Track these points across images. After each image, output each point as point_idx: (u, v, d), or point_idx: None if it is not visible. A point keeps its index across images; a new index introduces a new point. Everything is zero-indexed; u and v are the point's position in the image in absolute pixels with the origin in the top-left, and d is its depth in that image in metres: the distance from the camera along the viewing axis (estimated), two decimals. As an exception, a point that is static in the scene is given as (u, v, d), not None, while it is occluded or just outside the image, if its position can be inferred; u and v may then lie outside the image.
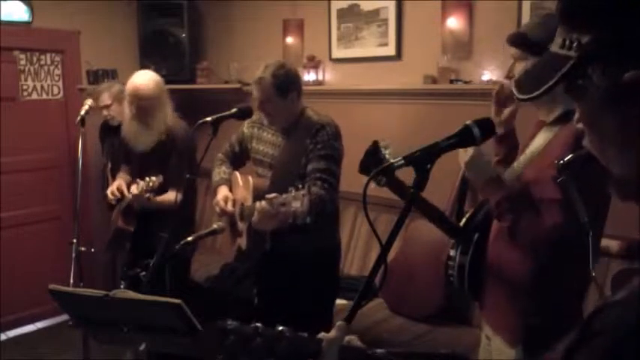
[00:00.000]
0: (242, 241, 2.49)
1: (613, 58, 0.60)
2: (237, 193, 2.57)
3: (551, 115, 1.61)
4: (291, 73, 2.40)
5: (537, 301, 1.59)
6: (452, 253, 1.79)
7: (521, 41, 1.58)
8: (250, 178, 2.49)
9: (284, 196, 2.01)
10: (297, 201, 1.98)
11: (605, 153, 0.66)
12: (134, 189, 2.73)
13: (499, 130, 1.74)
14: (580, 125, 0.70)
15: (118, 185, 2.97)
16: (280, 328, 0.94)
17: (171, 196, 2.74)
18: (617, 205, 1.08)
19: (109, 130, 3.53)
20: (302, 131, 2.41)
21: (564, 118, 1.55)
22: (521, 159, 1.68)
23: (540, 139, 1.63)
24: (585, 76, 0.63)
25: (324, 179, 2.31)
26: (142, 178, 2.76)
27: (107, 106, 3.45)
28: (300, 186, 2.06)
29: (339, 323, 0.98)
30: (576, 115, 0.71)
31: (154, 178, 2.65)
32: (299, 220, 2.03)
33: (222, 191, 2.53)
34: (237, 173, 2.62)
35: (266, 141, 2.53)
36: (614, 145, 0.64)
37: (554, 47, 0.70)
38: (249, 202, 2.42)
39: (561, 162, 0.84)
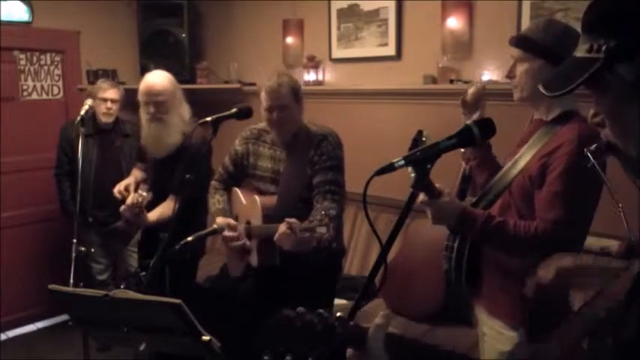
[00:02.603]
0: (252, 259, 2.47)
1: (638, 56, 0.70)
2: (240, 211, 2.56)
3: (550, 114, 1.70)
4: (299, 83, 2.46)
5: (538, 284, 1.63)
6: (449, 243, 1.81)
7: (523, 43, 1.68)
8: (257, 197, 2.45)
9: (309, 220, 1.99)
10: (322, 227, 1.96)
11: (627, 138, 0.77)
12: (128, 201, 2.67)
13: None
14: (596, 120, 0.81)
15: (126, 184, 2.93)
16: (338, 314, 0.99)
17: (166, 209, 2.72)
18: (615, 206, 1.08)
19: (98, 130, 3.53)
20: (303, 143, 2.39)
21: (563, 118, 1.66)
22: (522, 155, 1.73)
23: (541, 137, 1.70)
24: (613, 72, 0.73)
25: (333, 191, 2.31)
26: (166, 187, 2.75)
27: (115, 101, 3.46)
28: (307, 201, 2.04)
29: (383, 312, 1.02)
30: (591, 112, 0.83)
31: (144, 194, 2.60)
32: (323, 244, 2.01)
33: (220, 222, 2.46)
34: (237, 190, 2.59)
35: (265, 156, 2.50)
36: (638, 129, 0.73)
37: (580, 53, 0.79)
38: (257, 221, 2.40)
39: (590, 149, 0.93)
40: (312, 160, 2.35)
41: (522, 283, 1.67)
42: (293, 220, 2.00)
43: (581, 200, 1.58)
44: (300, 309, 0.98)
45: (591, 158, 0.93)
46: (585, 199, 1.59)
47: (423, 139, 1.86)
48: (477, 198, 1.84)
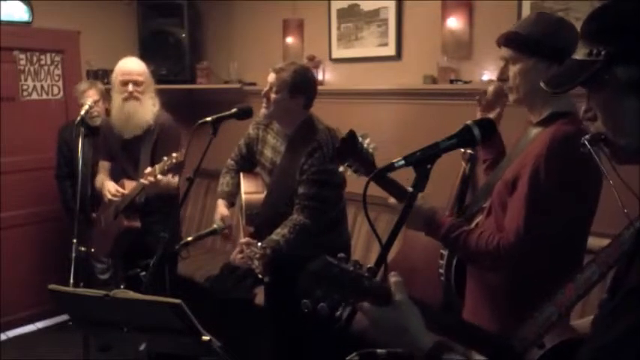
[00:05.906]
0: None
1: (632, 59, 0.85)
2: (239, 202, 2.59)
3: (539, 116, 1.60)
4: (310, 81, 2.42)
5: (514, 309, 1.47)
6: (443, 251, 1.80)
7: (513, 41, 1.58)
8: (243, 194, 2.50)
9: (250, 249, 2.21)
10: (255, 261, 2.19)
11: (618, 129, 0.90)
12: (149, 173, 2.61)
13: None
14: (588, 115, 0.94)
15: (114, 186, 2.92)
16: (368, 266, 1.00)
17: (172, 179, 2.77)
18: (616, 205, 1.08)
19: (91, 130, 3.50)
20: (301, 142, 2.37)
21: (549, 120, 1.55)
22: (506, 160, 1.67)
23: (525, 141, 1.61)
24: (610, 73, 0.87)
25: (311, 207, 2.32)
26: (136, 168, 2.78)
27: (95, 102, 3.45)
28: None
29: (393, 273, 1.02)
30: (583, 108, 0.95)
31: (174, 154, 2.54)
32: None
33: (219, 209, 2.54)
34: (241, 177, 2.60)
35: (269, 145, 2.51)
36: (631, 121, 0.87)
37: (579, 55, 0.92)
38: (242, 222, 2.44)
39: (586, 138, 0.97)
40: (302, 167, 2.34)
41: (498, 306, 1.60)
42: (245, 240, 2.28)
43: (548, 208, 1.46)
44: (341, 255, 0.99)
45: (588, 145, 0.97)
46: (554, 207, 1.46)
47: (359, 138, 1.73)
48: (466, 205, 1.82)
